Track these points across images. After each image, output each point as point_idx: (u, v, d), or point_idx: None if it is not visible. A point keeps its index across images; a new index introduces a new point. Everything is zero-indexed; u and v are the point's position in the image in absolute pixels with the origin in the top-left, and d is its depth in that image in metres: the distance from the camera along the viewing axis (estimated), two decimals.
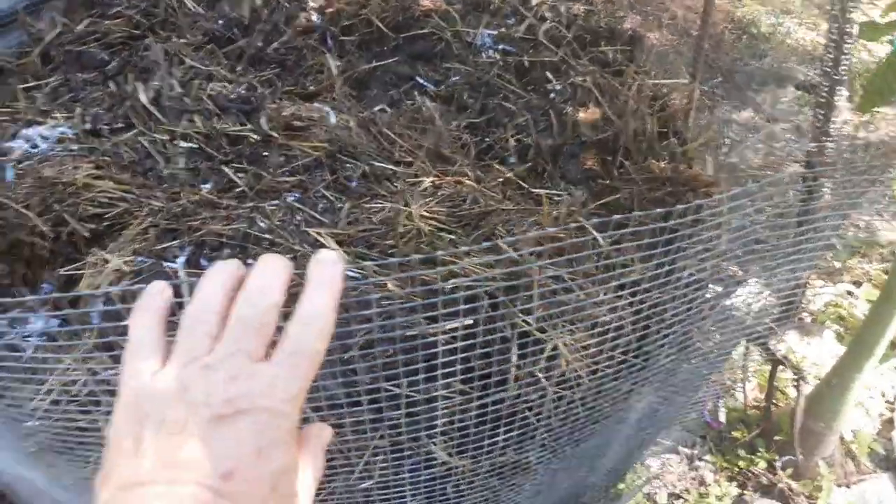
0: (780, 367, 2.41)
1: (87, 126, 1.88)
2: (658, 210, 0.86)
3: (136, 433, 0.42)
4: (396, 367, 1.10)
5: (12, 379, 1.24)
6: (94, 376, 1.30)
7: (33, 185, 1.72)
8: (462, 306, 1.07)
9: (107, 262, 1.65)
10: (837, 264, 3.34)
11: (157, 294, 0.51)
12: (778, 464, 2.63)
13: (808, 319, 3.27)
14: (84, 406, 1.30)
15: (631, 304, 1.11)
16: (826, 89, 1.88)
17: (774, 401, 2.75)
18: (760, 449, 2.69)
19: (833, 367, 2.48)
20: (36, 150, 1.88)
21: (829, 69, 1.86)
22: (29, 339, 1.64)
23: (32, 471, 1.44)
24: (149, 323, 0.49)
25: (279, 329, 0.47)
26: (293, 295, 0.50)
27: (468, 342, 1.08)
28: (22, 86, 2.04)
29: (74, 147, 1.84)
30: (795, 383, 2.39)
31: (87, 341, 1.36)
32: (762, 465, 2.66)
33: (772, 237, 1.26)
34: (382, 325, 1.00)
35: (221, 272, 0.50)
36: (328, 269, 0.49)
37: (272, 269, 0.49)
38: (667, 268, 1.04)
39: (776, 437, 2.66)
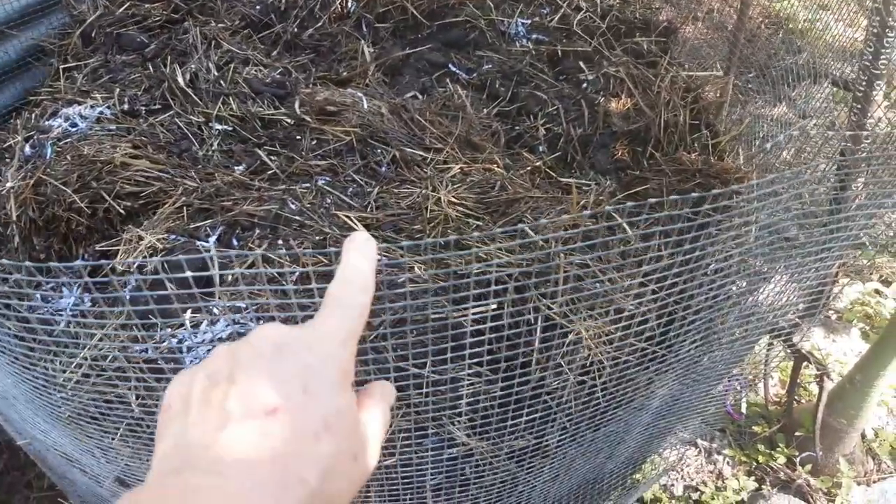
0: (804, 363, 2.40)
1: (125, 106, 1.93)
2: (692, 195, 0.88)
3: (183, 395, 0.44)
4: (420, 349, 1.13)
5: (45, 351, 1.29)
6: (125, 349, 1.35)
7: (72, 162, 1.77)
8: (483, 289, 1.09)
9: (141, 239, 1.70)
10: (866, 262, 3.31)
11: None
12: (797, 460, 2.62)
13: (835, 317, 3.25)
14: (112, 380, 1.34)
15: (654, 292, 1.13)
16: (864, 83, 1.86)
17: (796, 397, 2.74)
18: (780, 444, 2.68)
19: (856, 364, 2.47)
20: (75, 129, 1.93)
21: (868, 63, 1.84)
22: (61, 313, 1.70)
23: (63, 437, 1.50)
24: None
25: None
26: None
27: (492, 324, 1.11)
28: (63, 66, 2.10)
29: (112, 127, 1.89)
30: (818, 380, 2.38)
31: (121, 309, 1.41)
32: (781, 460, 2.65)
33: (800, 231, 1.26)
34: (403, 305, 1.03)
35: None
36: (361, 239, 0.52)
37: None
38: (695, 254, 1.05)
39: (796, 433, 2.65)
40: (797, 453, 2.64)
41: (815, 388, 2.71)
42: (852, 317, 3.21)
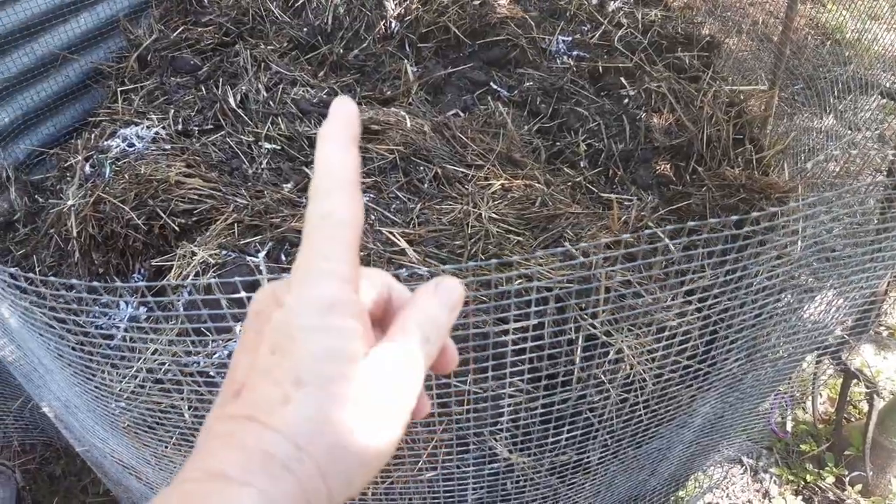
0: (854, 380, 2.35)
1: (179, 127, 2.01)
2: (731, 218, 0.88)
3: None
4: (464, 365, 1.15)
5: (103, 362, 1.35)
6: (179, 361, 1.40)
7: (129, 181, 1.85)
8: (524, 308, 1.11)
9: (194, 254, 1.76)
10: None
11: None
12: (847, 479, 2.56)
13: (886, 333, 3.16)
14: (166, 390, 1.40)
15: (699, 309, 1.13)
16: None
17: (846, 415, 2.67)
18: (829, 463, 2.62)
19: None
20: (132, 149, 2.01)
21: None
22: (119, 325, 1.77)
23: (121, 445, 1.56)
24: None
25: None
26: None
27: (535, 343, 1.13)
28: (120, 88, 2.19)
29: (167, 146, 1.96)
30: (868, 397, 2.33)
31: (173, 325, 1.47)
32: (830, 479, 2.59)
33: (848, 246, 1.25)
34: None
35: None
36: (333, 110, 0.38)
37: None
38: (738, 274, 1.05)
39: (846, 452, 2.59)
40: (846, 473, 2.57)
41: (865, 406, 2.65)
42: None
